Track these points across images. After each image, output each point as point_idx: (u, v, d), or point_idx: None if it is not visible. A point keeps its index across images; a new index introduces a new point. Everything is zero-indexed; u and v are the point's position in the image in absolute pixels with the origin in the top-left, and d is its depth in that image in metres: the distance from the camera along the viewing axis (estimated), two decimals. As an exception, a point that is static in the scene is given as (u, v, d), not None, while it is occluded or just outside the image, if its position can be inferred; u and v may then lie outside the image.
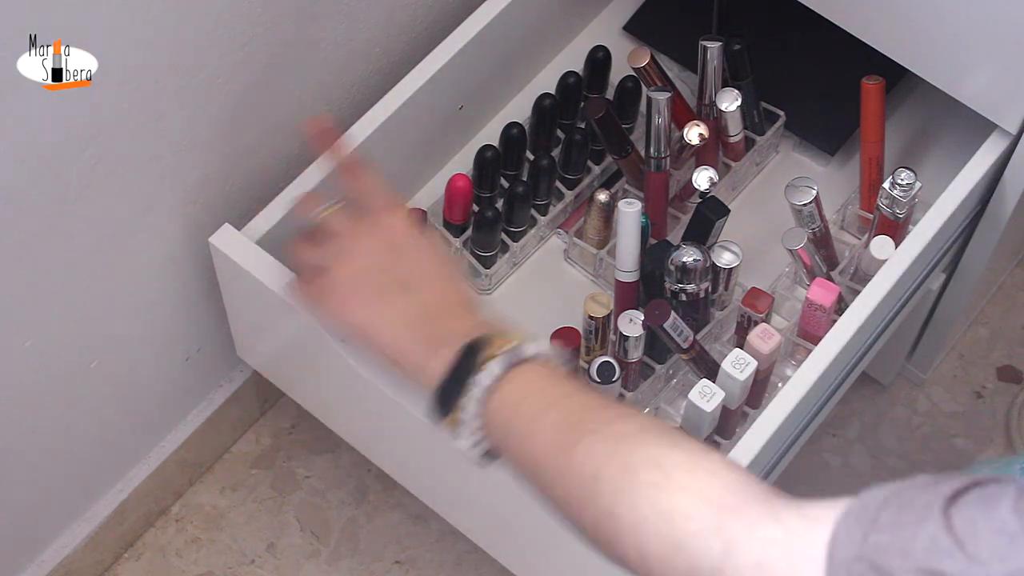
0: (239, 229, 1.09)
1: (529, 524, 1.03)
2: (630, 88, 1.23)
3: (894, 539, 0.63)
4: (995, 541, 0.60)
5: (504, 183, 1.22)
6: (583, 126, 1.23)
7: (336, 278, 0.94)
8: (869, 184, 1.21)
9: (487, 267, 1.21)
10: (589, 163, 1.24)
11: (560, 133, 1.24)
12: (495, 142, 1.20)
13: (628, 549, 0.74)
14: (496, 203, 1.21)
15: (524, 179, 1.21)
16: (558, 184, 1.23)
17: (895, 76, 1.21)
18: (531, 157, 1.22)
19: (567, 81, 1.23)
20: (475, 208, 1.20)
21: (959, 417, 1.47)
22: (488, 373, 0.84)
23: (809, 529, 0.67)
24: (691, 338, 1.09)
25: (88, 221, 1.04)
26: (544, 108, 1.21)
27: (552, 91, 1.23)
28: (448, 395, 0.86)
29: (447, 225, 1.21)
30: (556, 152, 1.22)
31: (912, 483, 0.65)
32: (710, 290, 1.12)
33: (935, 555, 0.61)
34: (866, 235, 1.17)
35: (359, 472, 1.41)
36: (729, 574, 0.69)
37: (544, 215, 1.23)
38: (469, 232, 1.20)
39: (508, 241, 1.22)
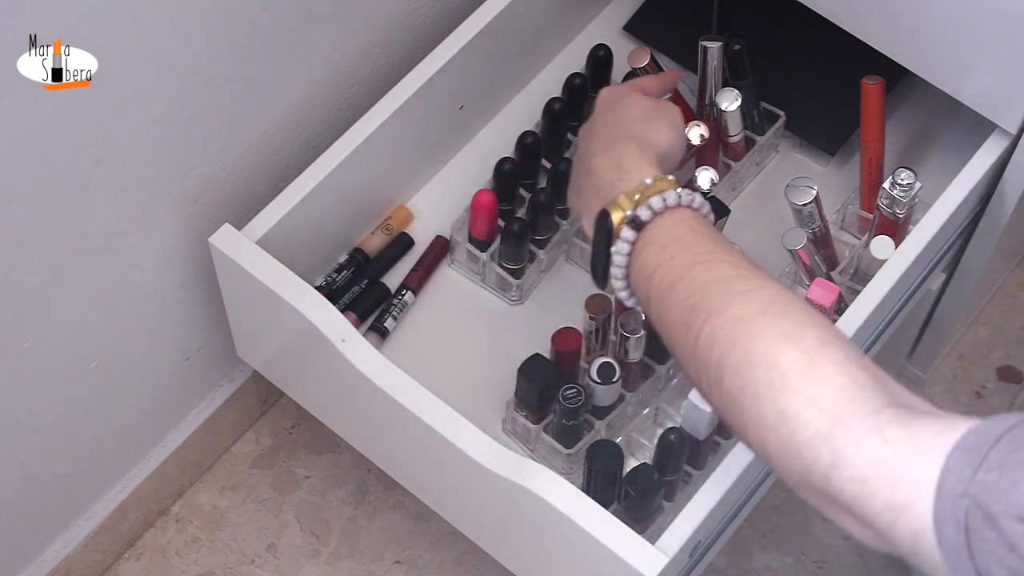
0: (239, 229, 1.09)
1: (529, 524, 1.03)
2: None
3: (1000, 479, 0.66)
4: None
5: (523, 192, 1.21)
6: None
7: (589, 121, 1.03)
8: (869, 184, 1.21)
9: (517, 278, 1.20)
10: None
11: (570, 136, 1.23)
12: (496, 143, 1.20)
13: (752, 439, 0.79)
14: (517, 213, 1.21)
15: (543, 186, 1.20)
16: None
17: (895, 76, 1.20)
18: (546, 163, 1.22)
19: (573, 83, 1.23)
20: (500, 223, 1.19)
21: (959, 417, 1.47)
22: (618, 251, 0.90)
23: (914, 454, 0.71)
24: (691, 338, 1.09)
25: (88, 221, 1.04)
26: (555, 112, 1.21)
27: (556, 93, 1.22)
28: (598, 266, 0.93)
29: (473, 240, 1.20)
30: (568, 154, 1.22)
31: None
32: (710, 290, 1.12)
33: None
34: (866, 235, 1.17)
35: (359, 472, 1.41)
36: (836, 483, 0.74)
37: (565, 219, 1.21)
38: (495, 246, 1.19)
39: (534, 249, 1.20)
